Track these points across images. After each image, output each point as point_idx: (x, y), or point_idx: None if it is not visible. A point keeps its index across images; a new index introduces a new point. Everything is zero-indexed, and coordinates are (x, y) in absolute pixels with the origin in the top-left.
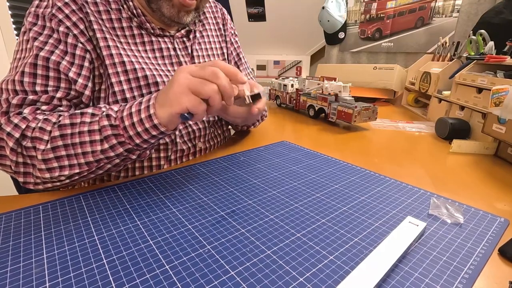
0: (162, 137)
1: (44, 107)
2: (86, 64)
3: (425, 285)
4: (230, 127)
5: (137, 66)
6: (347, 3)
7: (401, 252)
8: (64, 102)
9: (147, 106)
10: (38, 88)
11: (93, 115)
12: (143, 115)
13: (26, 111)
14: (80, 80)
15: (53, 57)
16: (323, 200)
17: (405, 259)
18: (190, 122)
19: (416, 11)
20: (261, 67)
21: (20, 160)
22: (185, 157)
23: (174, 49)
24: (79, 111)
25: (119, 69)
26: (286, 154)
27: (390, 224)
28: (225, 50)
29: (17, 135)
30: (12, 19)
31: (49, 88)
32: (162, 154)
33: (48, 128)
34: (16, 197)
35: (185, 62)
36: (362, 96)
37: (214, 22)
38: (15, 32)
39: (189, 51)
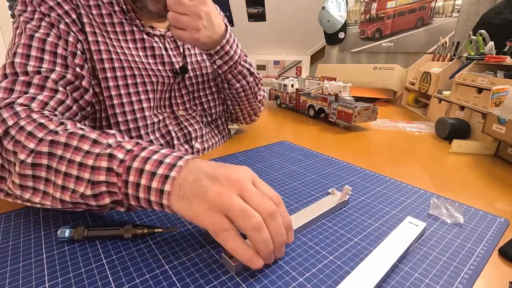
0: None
1: (40, 97)
2: (79, 53)
3: (425, 285)
4: (230, 127)
5: (125, 64)
6: (347, 3)
7: (401, 252)
8: (61, 88)
9: (166, 176)
10: (30, 69)
11: (95, 142)
12: (155, 184)
13: (20, 100)
14: (78, 69)
15: (49, 39)
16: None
17: (405, 259)
18: (185, 124)
19: (416, 11)
20: (261, 67)
21: None
22: None
23: (166, 49)
24: (81, 131)
25: (106, 66)
26: (286, 154)
27: (390, 224)
28: None
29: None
30: (12, 19)
31: (43, 69)
32: None
33: (40, 135)
34: None
35: (177, 62)
36: (362, 96)
37: None
38: None
39: (181, 50)
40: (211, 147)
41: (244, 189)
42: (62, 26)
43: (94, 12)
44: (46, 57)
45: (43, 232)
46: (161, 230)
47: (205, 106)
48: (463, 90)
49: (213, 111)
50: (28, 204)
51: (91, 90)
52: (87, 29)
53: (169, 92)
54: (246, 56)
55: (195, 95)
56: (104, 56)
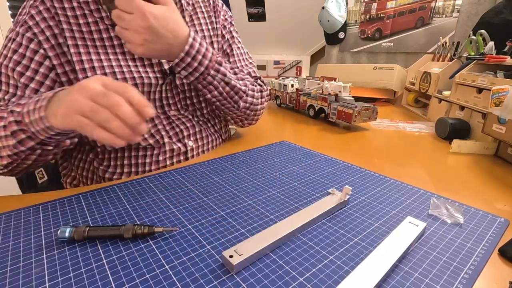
0: (71, 135)
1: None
2: (42, 70)
3: (425, 285)
4: (230, 127)
5: (108, 70)
6: (347, 3)
7: (401, 252)
8: None
9: (40, 107)
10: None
11: (11, 112)
12: (36, 115)
13: None
14: (32, 85)
15: (10, 64)
16: None
17: (405, 259)
18: (177, 122)
19: (416, 11)
20: (261, 67)
21: None
22: (175, 157)
23: None
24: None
25: (89, 74)
26: (286, 154)
27: (390, 224)
28: (216, 45)
29: None
30: (12, 19)
31: (6, 97)
32: (148, 152)
33: None
34: (16, 197)
35: (167, 62)
36: (362, 96)
37: (206, 16)
38: None
39: None
40: (207, 145)
41: (92, 92)
42: (32, 46)
43: (81, 21)
44: (11, 82)
45: (43, 232)
46: (161, 230)
47: (197, 106)
48: (463, 90)
49: (204, 111)
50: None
51: None
52: (69, 42)
53: (159, 93)
54: (220, 65)
55: (186, 95)
56: (87, 65)
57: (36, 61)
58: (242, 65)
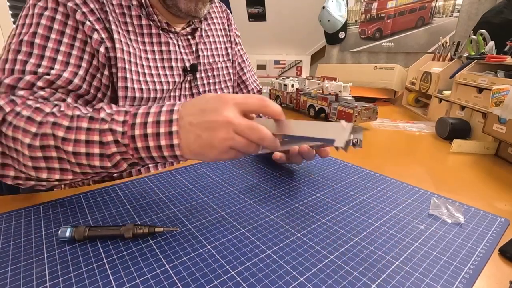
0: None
1: (42, 92)
2: (91, 41)
3: (425, 285)
4: None
5: (140, 64)
6: (347, 3)
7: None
8: (61, 90)
9: (169, 132)
10: (40, 70)
11: (91, 119)
12: (163, 142)
13: (21, 93)
14: (72, 61)
15: (51, 35)
16: (323, 200)
17: (405, 259)
18: None
19: (417, 10)
20: (261, 67)
21: None
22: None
23: (178, 46)
24: (71, 113)
25: (126, 66)
26: None
27: (390, 224)
28: (230, 50)
29: None
30: (12, 19)
31: (40, 70)
32: None
33: (38, 119)
34: (17, 197)
35: (188, 60)
36: (362, 96)
37: (220, 22)
38: None
39: (194, 49)
40: None
41: (237, 127)
42: (77, 16)
43: (117, 11)
44: (48, 54)
45: (44, 232)
46: (161, 229)
47: None
48: (463, 89)
49: None
50: (44, 183)
51: (93, 93)
52: (113, 26)
53: (179, 90)
54: None
55: (206, 89)
56: (125, 57)
57: (82, 30)
58: (250, 82)
